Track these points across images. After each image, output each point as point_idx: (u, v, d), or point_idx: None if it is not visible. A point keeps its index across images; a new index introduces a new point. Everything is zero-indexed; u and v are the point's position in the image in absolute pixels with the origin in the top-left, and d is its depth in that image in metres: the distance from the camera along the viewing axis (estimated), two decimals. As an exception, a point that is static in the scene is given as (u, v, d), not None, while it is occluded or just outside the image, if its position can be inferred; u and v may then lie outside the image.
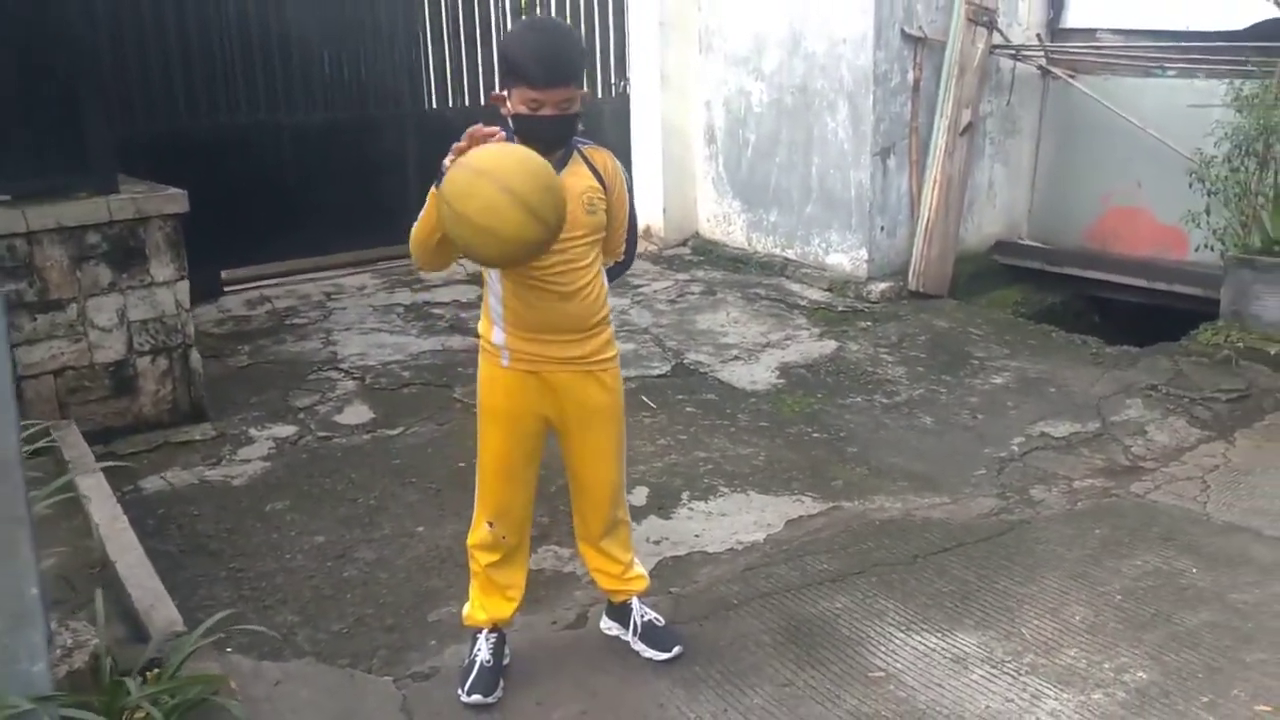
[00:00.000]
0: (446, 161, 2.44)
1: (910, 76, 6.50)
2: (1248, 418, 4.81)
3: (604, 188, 2.74)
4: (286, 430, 4.61)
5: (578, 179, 2.67)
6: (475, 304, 6.37)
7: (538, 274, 2.64)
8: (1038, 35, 6.93)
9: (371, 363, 5.39)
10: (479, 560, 2.92)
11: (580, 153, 2.73)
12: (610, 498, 2.94)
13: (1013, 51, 6.77)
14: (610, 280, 2.86)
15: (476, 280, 6.83)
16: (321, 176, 6.73)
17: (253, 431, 4.60)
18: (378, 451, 4.43)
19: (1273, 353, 5.30)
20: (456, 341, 5.73)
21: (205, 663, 2.68)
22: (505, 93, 2.60)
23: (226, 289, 6.41)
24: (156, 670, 2.59)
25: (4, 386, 1.40)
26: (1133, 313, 6.76)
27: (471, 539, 2.92)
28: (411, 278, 6.87)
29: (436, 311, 6.22)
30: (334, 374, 5.26)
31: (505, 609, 2.95)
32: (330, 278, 6.80)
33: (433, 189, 2.48)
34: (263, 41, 6.44)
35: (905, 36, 6.41)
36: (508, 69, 2.58)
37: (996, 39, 6.60)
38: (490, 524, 2.86)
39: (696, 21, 7.38)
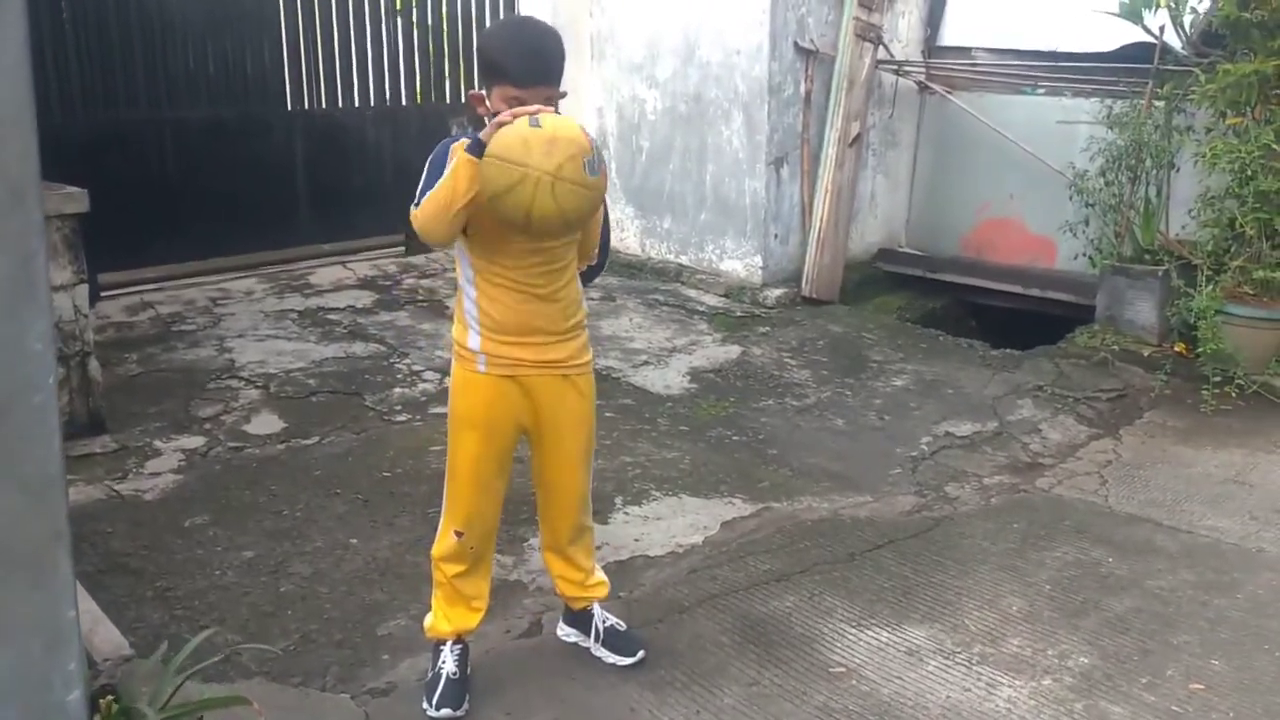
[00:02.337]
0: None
1: (802, 88, 6.67)
2: (1128, 415, 5.12)
3: (579, 191, 2.72)
4: (194, 441, 4.41)
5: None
6: (372, 309, 6.23)
7: (517, 276, 2.62)
8: (922, 52, 7.22)
9: (273, 370, 5.20)
10: (444, 571, 2.85)
11: (556, 155, 2.70)
12: (580, 504, 2.93)
13: (895, 67, 7.04)
14: (585, 284, 2.85)
15: (369, 286, 6.68)
16: (205, 176, 6.45)
17: (157, 443, 4.37)
18: (295, 462, 4.28)
19: (1146, 354, 5.66)
20: (359, 348, 5.58)
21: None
22: (483, 90, 2.56)
23: (104, 294, 6.07)
24: (111, 697, 2.44)
25: (47, 392, 1.29)
26: (1006, 318, 7.11)
27: (437, 550, 2.86)
28: (300, 283, 6.66)
29: (333, 317, 6.04)
30: (234, 382, 5.04)
31: (471, 620, 2.90)
32: (215, 282, 6.52)
33: (463, 156, 2.44)
34: (144, 34, 6.14)
35: (798, 49, 6.58)
36: (488, 67, 2.54)
37: (882, 54, 6.85)
38: (459, 534, 2.80)
39: (589, 27, 7.40)
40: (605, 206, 2.86)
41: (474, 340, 2.70)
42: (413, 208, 2.57)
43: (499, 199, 2.39)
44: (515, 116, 2.41)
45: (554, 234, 2.54)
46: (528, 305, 2.65)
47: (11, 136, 1.52)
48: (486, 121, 2.58)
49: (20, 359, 1.51)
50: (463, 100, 7.43)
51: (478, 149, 2.43)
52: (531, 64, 2.50)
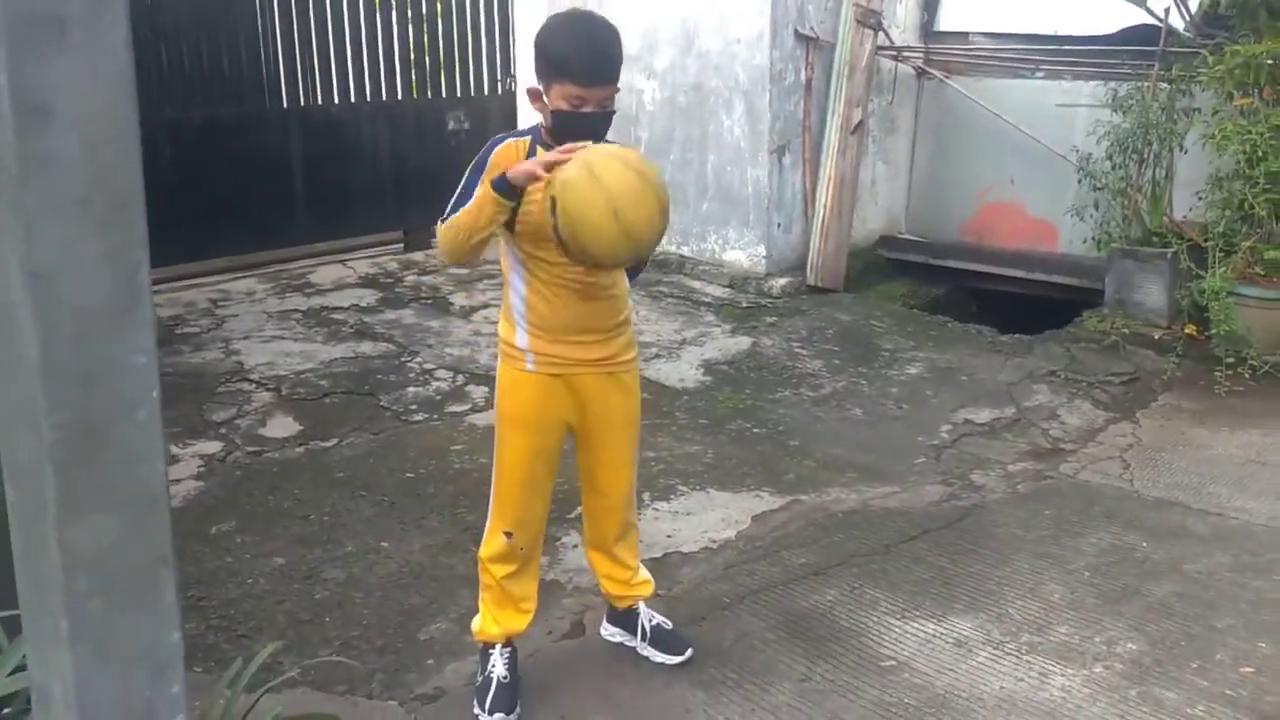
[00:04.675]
0: (544, 168, 2.35)
1: (803, 76, 6.64)
2: (1143, 399, 5.13)
3: (628, 186, 2.67)
4: (211, 447, 4.33)
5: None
6: (376, 307, 6.16)
7: (568, 275, 2.57)
8: (920, 37, 7.19)
9: (283, 372, 5.13)
10: (493, 573, 2.81)
11: (605, 151, 2.66)
12: (626, 502, 2.89)
13: (894, 52, 7.01)
14: (630, 280, 2.81)
15: (371, 284, 6.60)
16: (200, 176, 6.35)
17: (174, 449, 4.29)
18: (316, 465, 4.22)
19: (1156, 337, 5.67)
20: (367, 347, 5.51)
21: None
22: (541, 87, 2.52)
23: (103, 297, 5.96)
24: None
25: (151, 407, 1.24)
26: (1007, 303, 7.11)
27: (485, 551, 2.82)
28: (301, 282, 6.58)
29: (338, 317, 5.96)
30: (245, 385, 4.97)
31: (520, 622, 2.86)
32: (213, 283, 6.43)
33: (486, 189, 2.40)
34: (135, 32, 6.00)
35: (798, 36, 6.55)
36: (549, 64, 2.49)
37: (881, 40, 6.82)
38: (509, 534, 2.76)
39: (584, 18, 7.32)
40: None
41: (522, 339, 2.65)
42: (440, 221, 2.54)
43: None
44: (559, 157, 2.34)
45: None
46: (582, 304, 2.61)
47: (113, 147, 1.46)
48: (542, 116, 2.54)
49: (123, 375, 1.45)
50: (459, 95, 7.35)
51: (505, 188, 2.40)
52: (595, 62, 2.46)
